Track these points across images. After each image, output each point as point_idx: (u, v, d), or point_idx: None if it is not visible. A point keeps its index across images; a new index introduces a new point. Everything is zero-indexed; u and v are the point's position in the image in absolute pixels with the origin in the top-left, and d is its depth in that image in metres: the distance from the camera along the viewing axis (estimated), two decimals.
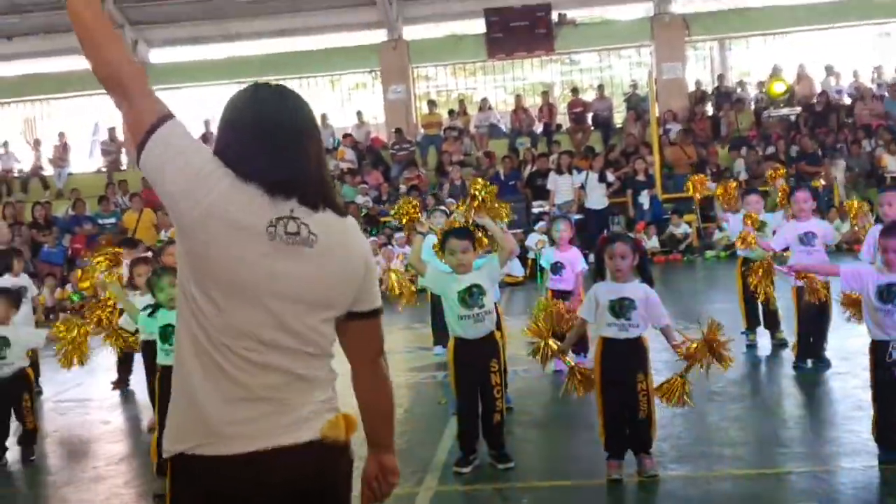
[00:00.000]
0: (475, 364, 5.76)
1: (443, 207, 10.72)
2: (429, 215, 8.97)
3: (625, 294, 5.40)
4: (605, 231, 17.02)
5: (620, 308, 5.37)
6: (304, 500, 2.35)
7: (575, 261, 8.37)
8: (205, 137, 21.69)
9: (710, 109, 21.46)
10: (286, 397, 2.32)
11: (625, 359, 5.40)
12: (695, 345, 5.44)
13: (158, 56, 23.59)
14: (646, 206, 18.15)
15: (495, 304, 6.07)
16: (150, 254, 9.21)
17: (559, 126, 22.00)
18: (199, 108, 23.18)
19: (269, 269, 2.28)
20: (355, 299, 2.45)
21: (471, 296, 5.75)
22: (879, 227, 7.00)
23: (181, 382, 2.35)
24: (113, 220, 18.82)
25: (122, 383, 9.07)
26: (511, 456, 5.89)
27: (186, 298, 2.33)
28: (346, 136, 21.99)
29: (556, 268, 8.33)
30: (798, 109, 20.37)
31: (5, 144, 22.60)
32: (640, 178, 18.40)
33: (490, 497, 5.55)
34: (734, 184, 8.84)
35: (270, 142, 2.34)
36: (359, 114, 22.81)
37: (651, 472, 5.44)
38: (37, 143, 22.89)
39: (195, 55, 23.61)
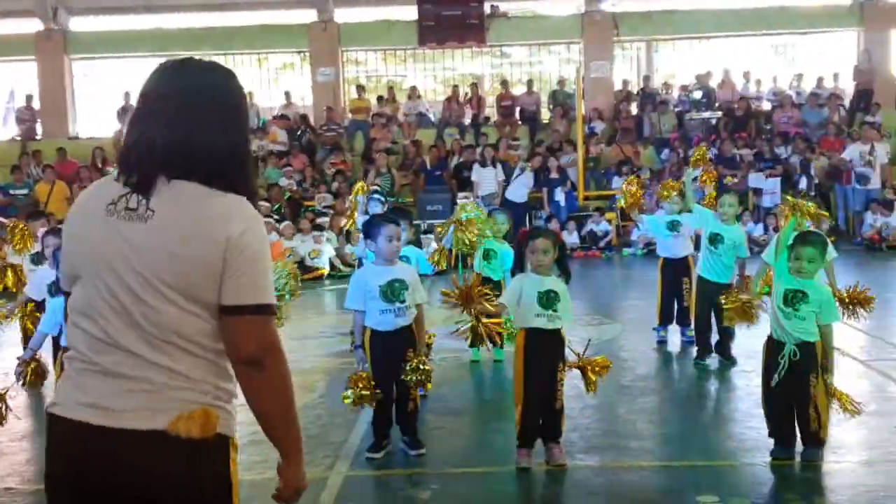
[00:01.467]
0: (391, 354, 5.77)
1: (378, 196, 10.67)
2: (367, 202, 8.98)
3: (551, 286, 5.49)
4: (528, 225, 17.21)
5: (548, 299, 5.46)
6: (136, 488, 2.26)
7: (502, 252, 8.41)
8: (124, 109, 21.28)
9: (634, 109, 21.75)
10: (130, 376, 2.28)
11: (548, 349, 5.50)
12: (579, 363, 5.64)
13: (79, 24, 22.97)
14: (562, 203, 18.34)
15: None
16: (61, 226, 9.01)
17: (487, 118, 22.08)
18: (120, 80, 22.70)
19: (104, 247, 2.31)
20: (219, 290, 2.29)
21: (392, 291, 5.76)
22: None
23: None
24: (25, 192, 18.35)
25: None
26: (423, 442, 5.93)
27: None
28: (277, 116, 21.70)
29: (486, 255, 8.35)
30: (719, 114, 20.79)
31: None
32: (554, 175, 18.57)
33: (400, 482, 5.58)
34: (636, 184, 8.97)
35: (139, 122, 2.39)
36: (287, 94, 22.55)
37: (560, 462, 5.54)
38: None
39: (117, 25, 23.05)
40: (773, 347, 5.55)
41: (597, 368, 5.68)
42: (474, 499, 5.32)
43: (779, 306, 5.48)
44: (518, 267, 5.75)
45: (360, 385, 5.69)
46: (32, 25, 22.41)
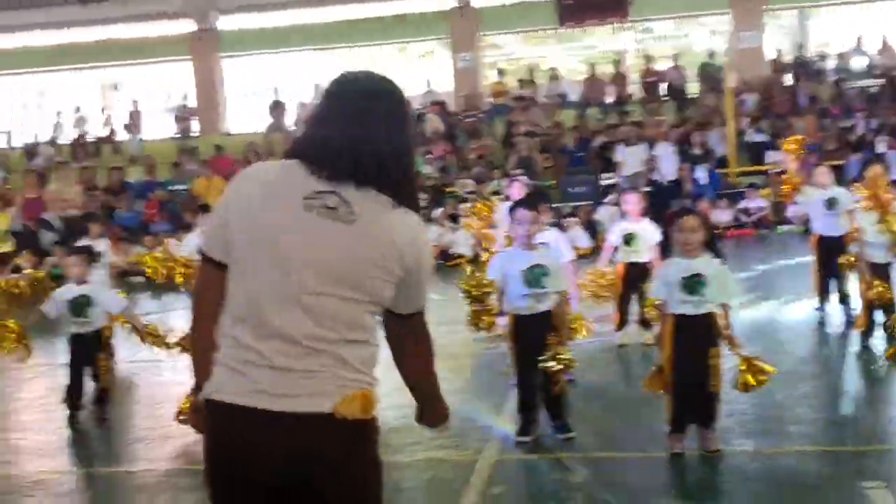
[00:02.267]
0: (535, 337, 5.76)
1: (518, 181, 10.64)
2: (508, 186, 9.01)
3: (696, 270, 5.32)
4: (675, 203, 16.84)
5: (693, 284, 5.30)
6: (304, 472, 2.38)
7: (649, 232, 8.25)
8: (275, 104, 21.93)
9: (788, 80, 20.91)
10: (300, 367, 2.37)
11: (698, 335, 5.35)
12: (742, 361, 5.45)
13: (229, 23, 23.76)
14: (703, 181, 17.79)
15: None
16: None
17: (630, 96, 21.66)
18: (268, 76, 23.38)
19: (297, 238, 2.37)
20: (395, 300, 2.49)
21: (533, 276, 5.74)
22: None
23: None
24: (184, 187, 19.16)
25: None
26: (571, 427, 5.90)
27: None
28: (434, 103, 21.78)
29: (629, 239, 8.21)
30: (881, 81, 19.75)
31: (78, 110, 23.01)
32: (697, 151, 18.00)
33: (551, 466, 5.56)
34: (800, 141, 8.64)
35: (338, 122, 2.45)
36: (428, 82, 22.74)
37: (713, 447, 5.41)
38: (109, 110, 23.28)
39: (265, 22, 23.74)
40: None
41: (756, 372, 5.45)
42: (625, 484, 5.24)
43: None
44: (666, 249, 5.63)
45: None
46: (185, 26, 23.34)
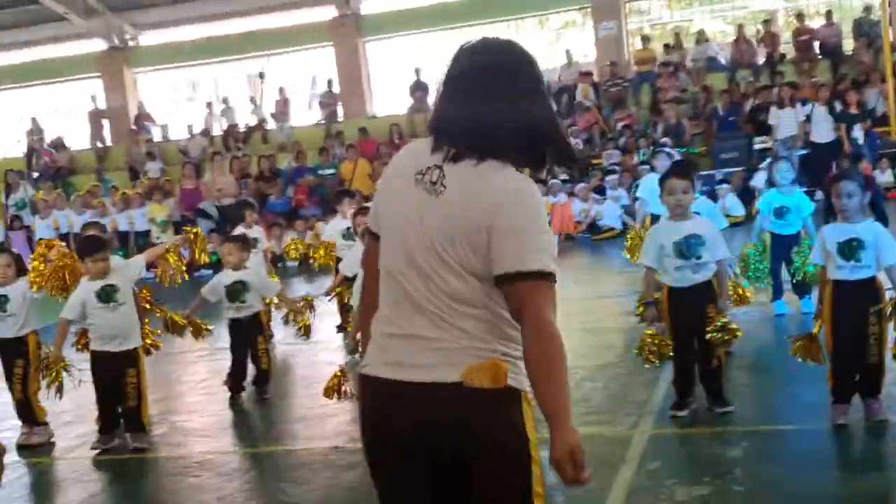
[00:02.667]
0: (692, 310, 5.63)
1: (667, 150, 10.41)
2: (652, 157, 8.82)
3: (855, 234, 5.13)
4: (833, 166, 16.14)
5: (850, 249, 5.12)
6: (441, 438, 2.41)
7: (800, 204, 7.95)
8: (416, 85, 22.12)
9: None
10: (431, 335, 2.42)
11: (857, 301, 5.16)
12: None
13: (370, 6, 24.02)
14: (860, 141, 16.91)
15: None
16: (368, 203, 9.58)
17: (783, 56, 20.78)
18: (409, 57, 23.57)
19: (409, 213, 2.47)
20: (490, 261, 2.37)
21: (688, 247, 5.60)
22: None
23: None
24: (332, 171, 19.59)
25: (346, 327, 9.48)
26: (729, 400, 5.75)
27: None
28: (583, 73, 21.46)
29: (780, 212, 7.93)
30: None
31: (227, 101, 23.78)
32: (853, 110, 17.13)
33: (708, 440, 5.45)
34: None
35: (452, 97, 2.52)
36: (567, 52, 22.47)
37: (880, 418, 5.20)
38: (257, 99, 23.95)
39: (406, 3, 23.90)
40: None
41: None
42: (787, 458, 5.10)
43: None
44: (829, 214, 5.42)
45: (651, 342, 5.60)
46: (327, 13, 23.76)
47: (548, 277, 2.36)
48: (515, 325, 2.40)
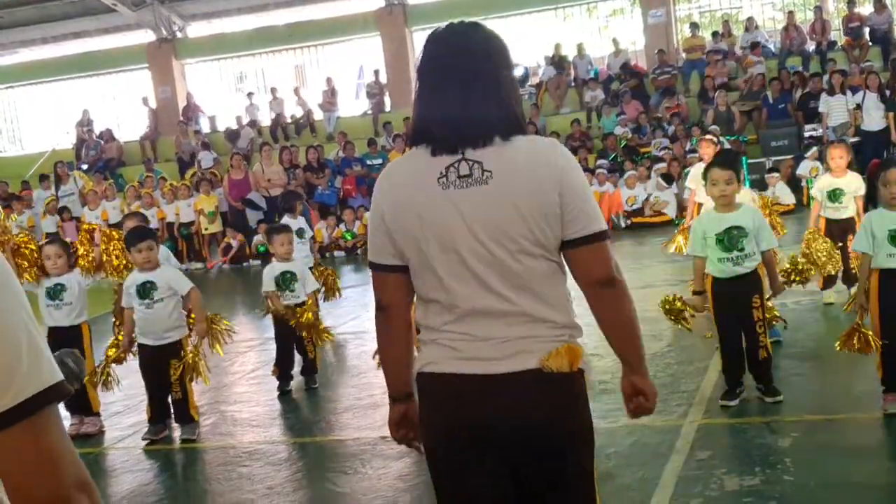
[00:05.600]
0: (736, 300, 5.60)
1: (709, 136, 10.30)
2: (695, 144, 8.75)
3: None
4: (884, 154, 15.86)
5: None
6: (524, 428, 2.41)
7: (854, 186, 7.84)
8: None
9: None
10: (500, 334, 2.41)
11: None
12: None
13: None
14: None
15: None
16: None
17: (833, 43, 20.47)
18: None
19: (446, 219, 2.39)
20: (563, 227, 2.40)
21: (730, 239, 5.56)
22: None
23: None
24: (380, 161, 19.63)
25: None
26: (779, 389, 5.71)
27: None
28: (627, 73, 21.27)
29: (834, 195, 7.83)
30: None
31: (273, 91, 23.91)
32: None
33: (758, 430, 5.41)
34: None
35: (437, 101, 2.45)
36: (615, 41, 22.31)
37: None
38: (304, 90, 24.05)
39: None
40: None
41: None
42: (839, 447, 5.06)
43: None
44: (871, 201, 5.34)
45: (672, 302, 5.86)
46: (374, 2, 23.81)
47: (609, 237, 2.47)
48: (570, 298, 2.49)
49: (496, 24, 23.95)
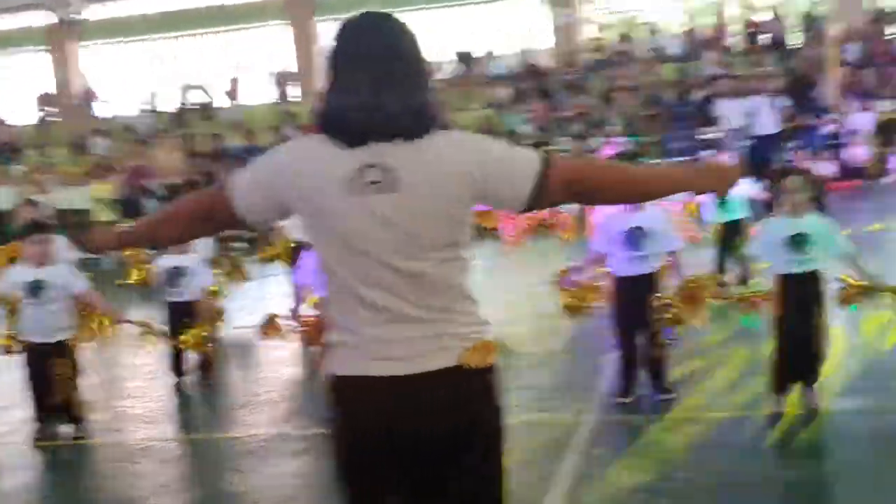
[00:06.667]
0: (636, 299, 5.70)
1: (613, 139, 10.49)
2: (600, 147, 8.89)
3: (802, 228, 5.22)
4: (777, 157, 16.38)
5: (798, 243, 5.21)
6: (442, 425, 2.40)
7: (743, 190, 8.06)
8: None
9: (891, 29, 20.08)
10: (417, 334, 2.38)
11: (803, 293, 5.26)
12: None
13: None
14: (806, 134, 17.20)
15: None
16: None
17: (732, 49, 21.05)
18: None
19: (355, 223, 2.34)
20: (505, 195, 2.40)
21: (634, 238, 5.68)
22: None
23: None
24: None
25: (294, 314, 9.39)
26: (672, 387, 5.84)
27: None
28: (532, 70, 21.46)
29: (723, 200, 8.01)
30: None
31: (179, 77, 23.42)
32: (800, 102, 17.37)
33: (652, 428, 5.50)
34: None
35: (350, 90, 2.38)
36: (523, 38, 22.48)
37: (816, 406, 5.34)
38: (209, 76, 23.63)
39: None
40: None
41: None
42: (732, 445, 5.17)
43: None
44: (773, 207, 5.50)
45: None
46: None
47: (549, 155, 2.44)
48: (474, 295, 2.48)
49: (405, 18, 23.77)
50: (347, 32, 2.46)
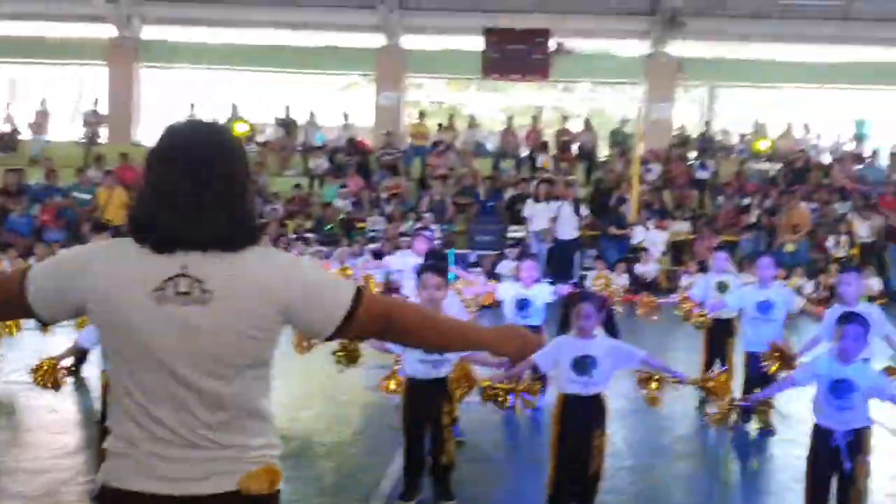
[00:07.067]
0: (426, 403, 5.79)
1: (427, 233, 10.70)
2: (414, 236, 9.03)
3: (588, 352, 5.43)
4: (572, 263, 17.19)
5: (583, 365, 5.41)
6: None
7: (542, 296, 8.39)
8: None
9: (693, 153, 21.64)
10: (198, 456, 2.35)
11: (584, 415, 5.44)
12: (723, 378, 5.53)
13: (151, 33, 23.42)
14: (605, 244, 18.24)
15: None
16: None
17: (544, 152, 21.97)
18: (186, 90, 23.13)
19: (154, 335, 2.30)
20: (312, 329, 2.45)
21: None
22: (838, 308, 7.11)
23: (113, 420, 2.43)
24: (88, 196, 18.63)
25: (74, 370, 8.98)
26: (454, 493, 5.93)
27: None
28: (352, 143, 21.67)
29: (522, 305, 8.33)
30: (778, 165, 20.59)
31: None
32: (602, 212, 18.43)
33: None
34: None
35: (167, 194, 2.34)
36: (345, 115, 22.71)
37: None
38: (13, 108, 22.58)
39: (189, 37, 23.45)
40: (819, 434, 5.34)
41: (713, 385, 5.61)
42: None
43: (826, 397, 5.32)
44: (564, 326, 5.70)
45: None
46: (106, 31, 22.90)
47: (361, 289, 2.48)
48: (270, 413, 2.46)
49: (227, 76, 23.76)
50: (171, 136, 2.43)
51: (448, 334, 2.60)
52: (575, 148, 21.87)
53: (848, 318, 5.35)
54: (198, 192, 2.33)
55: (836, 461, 5.21)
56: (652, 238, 18.25)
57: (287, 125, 22.20)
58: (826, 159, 21.54)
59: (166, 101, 23.58)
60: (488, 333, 2.63)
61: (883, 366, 6.65)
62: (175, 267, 2.31)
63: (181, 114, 21.86)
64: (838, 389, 5.18)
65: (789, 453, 7.23)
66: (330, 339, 2.49)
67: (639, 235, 18.30)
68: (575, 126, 22.63)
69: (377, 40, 23.25)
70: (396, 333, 2.56)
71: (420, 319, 2.57)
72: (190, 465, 2.34)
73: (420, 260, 9.09)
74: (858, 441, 5.22)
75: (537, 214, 18.13)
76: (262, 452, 2.43)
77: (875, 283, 16.35)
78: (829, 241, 17.83)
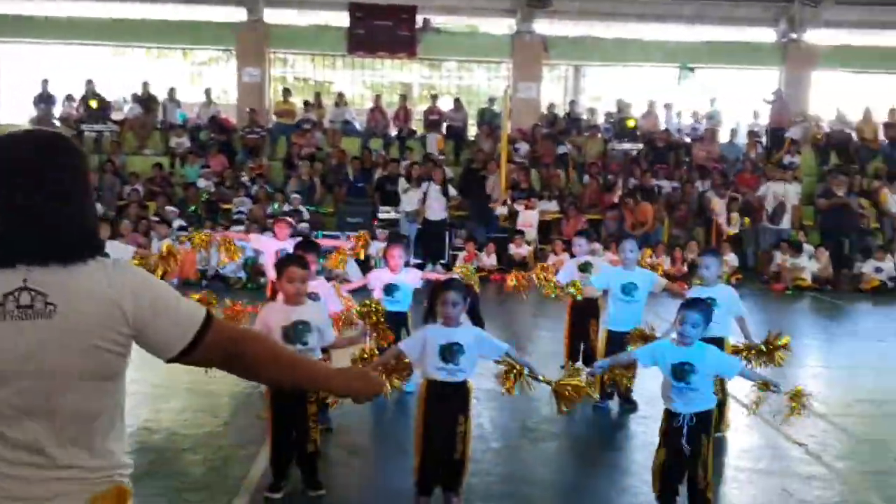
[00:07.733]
0: (291, 395, 5.73)
1: (287, 219, 10.53)
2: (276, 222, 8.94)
3: (455, 339, 5.47)
4: (443, 243, 17.31)
5: (450, 353, 5.45)
6: None
7: (409, 281, 8.40)
8: (40, 97, 20.85)
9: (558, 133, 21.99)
10: (47, 476, 2.28)
11: (449, 402, 5.49)
12: (576, 381, 5.63)
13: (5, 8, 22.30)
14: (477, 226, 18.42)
15: None
16: None
17: (413, 132, 21.99)
18: (35, 66, 22.18)
19: (8, 349, 2.23)
20: (159, 347, 2.39)
21: (295, 333, 5.73)
22: (697, 288, 7.39)
23: None
24: None
25: None
26: (322, 483, 5.91)
27: None
28: (215, 122, 21.13)
29: (389, 290, 8.30)
30: (640, 145, 21.13)
31: None
32: (473, 192, 18.60)
33: None
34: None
35: (3, 201, 2.27)
36: (207, 91, 22.13)
37: None
38: None
39: (38, 10, 22.39)
40: (669, 417, 5.53)
41: (570, 392, 5.68)
42: None
43: (668, 380, 5.53)
44: (430, 315, 5.72)
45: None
46: None
47: (212, 316, 2.46)
48: (121, 430, 2.42)
49: (79, 52, 22.91)
50: (5, 147, 2.34)
51: (296, 374, 2.61)
52: (444, 127, 21.90)
53: (688, 305, 5.57)
54: (27, 203, 2.27)
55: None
56: (521, 218, 18.45)
57: (145, 102, 21.50)
58: (686, 138, 22.20)
59: (17, 77, 22.54)
60: (337, 375, 2.68)
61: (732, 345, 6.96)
62: (17, 281, 2.25)
63: (35, 90, 20.99)
64: (680, 372, 5.39)
65: (649, 430, 7.46)
66: (174, 360, 2.43)
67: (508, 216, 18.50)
68: (445, 105, 22.65)
69: (239, 14, 22.72)
70: (244, 365, 2.52)
71: (271, 356, 2.56)
72: (36, 484, 2.27)
73: (283, 244, 8.98)
74: (702, 421, 5.44)
75: (406, 194, 18.14)
76: (111, 472, 2.37)
77: (732, 259, 17.04)
78: (721, 218, 18.47)
